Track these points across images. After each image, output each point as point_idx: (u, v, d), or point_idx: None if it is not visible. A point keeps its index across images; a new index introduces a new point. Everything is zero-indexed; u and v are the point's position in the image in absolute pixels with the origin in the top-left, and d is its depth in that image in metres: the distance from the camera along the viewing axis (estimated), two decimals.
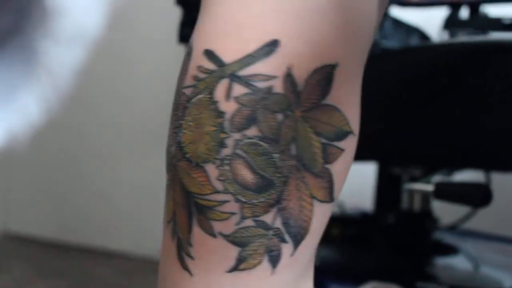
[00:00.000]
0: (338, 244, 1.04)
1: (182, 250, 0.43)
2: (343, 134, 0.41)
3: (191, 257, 0.42)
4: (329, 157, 0.41)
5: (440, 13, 0.96)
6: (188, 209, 0.42)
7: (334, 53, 0.41)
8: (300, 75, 0.40)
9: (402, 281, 0.82)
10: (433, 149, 0.81)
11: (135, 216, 1.96)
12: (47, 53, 0.22)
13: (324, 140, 0.40)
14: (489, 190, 0.75)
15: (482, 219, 1.04)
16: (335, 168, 0.41)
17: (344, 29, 0.41)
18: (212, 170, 0.40)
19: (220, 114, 0.40)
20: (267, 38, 0.40)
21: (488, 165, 0.84)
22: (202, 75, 0.41)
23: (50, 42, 0.22)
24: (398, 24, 0.93)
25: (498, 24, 0.75)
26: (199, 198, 0.41)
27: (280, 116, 0.40)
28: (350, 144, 0.42)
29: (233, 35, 0.41)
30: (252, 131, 0.40)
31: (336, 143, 0.41)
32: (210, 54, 0.41)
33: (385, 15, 0.89)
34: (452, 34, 0.88)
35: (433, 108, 0.77)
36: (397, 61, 0.80)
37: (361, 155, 0.95)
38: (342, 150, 0.41)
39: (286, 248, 0.41)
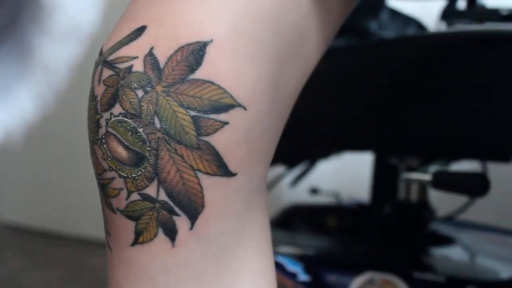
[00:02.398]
0: (335, 235, 1.04)
1: (105, 228, 0.46)
2: (223, 107, 0.42)
3: (109, 234, 0.45)
4: (203, 129, 0.42)
5: (437, 4, 0.96)
6: (100, 189, 0.46)
7: (207, 31, 0.42)
8: (163, 53, 0.42)
9: (399, 271, 0.82)
10: (430, 138, 0.81)
11: None
12: (42, 49, 0.22)
13: (194, 113, 0.41)
14: (487, 179, 0.75)
15: (479, 210, 1.04)
16: (219, 140, 0.42)
17: (219, 8, 0.43)
18: (98, 150, 0.45)
19: (95, 97, 0.45)
20: (137, 25, 0.44)
21: (484, 155, 0.84)
22: (93, 68, 0.46)
23: (45, 38, 0.22)
24: (395, 15, 0.92)
25: (496, 14, 0.75)
26: (98, 177, 0.45)
27: (140, 92, 0.42)
28: (238, 117, 0.43)
29: (115, 29, 0.46)
30: (117, 109, 0.43)
31: (212, 116, 0.42)
32: (100, 49, 0.46)
33: (382, 6, 0.89)
34: (449, 25, 0.88)
35: (430, 97, 0.77)
36: (392, 51, 0.80)
37: (357, 145, 0.95)
38: (224, 122, 0.42)
39: (181, 222, 0.43)
